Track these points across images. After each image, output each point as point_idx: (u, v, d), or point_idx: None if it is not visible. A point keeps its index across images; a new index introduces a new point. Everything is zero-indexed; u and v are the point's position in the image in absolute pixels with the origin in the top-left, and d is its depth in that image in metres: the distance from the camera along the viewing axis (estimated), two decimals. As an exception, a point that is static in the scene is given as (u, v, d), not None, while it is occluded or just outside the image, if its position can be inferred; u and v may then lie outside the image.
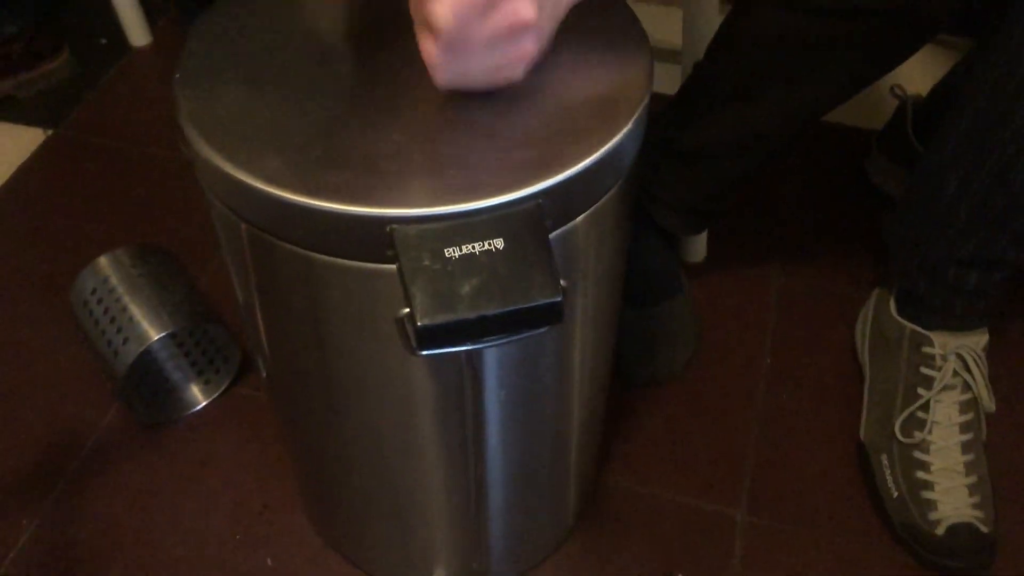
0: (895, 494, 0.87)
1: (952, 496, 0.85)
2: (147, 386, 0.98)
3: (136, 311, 0.91)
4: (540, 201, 0.53)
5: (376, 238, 0.52)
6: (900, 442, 0.88)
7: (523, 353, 0.62)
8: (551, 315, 0.51)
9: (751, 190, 1.16)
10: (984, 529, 0.84)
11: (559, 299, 0.51)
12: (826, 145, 1.24)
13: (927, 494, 0.86)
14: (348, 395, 0.65)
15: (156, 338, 0.90)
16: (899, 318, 0.92)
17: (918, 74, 1.15)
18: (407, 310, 0.51)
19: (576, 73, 0.60)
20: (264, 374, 0.74)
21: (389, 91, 0.59)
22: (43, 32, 1.29)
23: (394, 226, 0.51)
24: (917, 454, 0.87)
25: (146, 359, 0.97)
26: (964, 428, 0.87)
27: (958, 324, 0.88)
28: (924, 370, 0.89)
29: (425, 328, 0.50)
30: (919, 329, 0.90)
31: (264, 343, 0.67)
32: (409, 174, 0.54)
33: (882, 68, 0.81)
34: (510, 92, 0.57)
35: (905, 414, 0.88)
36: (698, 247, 1.09)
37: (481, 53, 0.53)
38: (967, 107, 0.79)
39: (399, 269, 0.51)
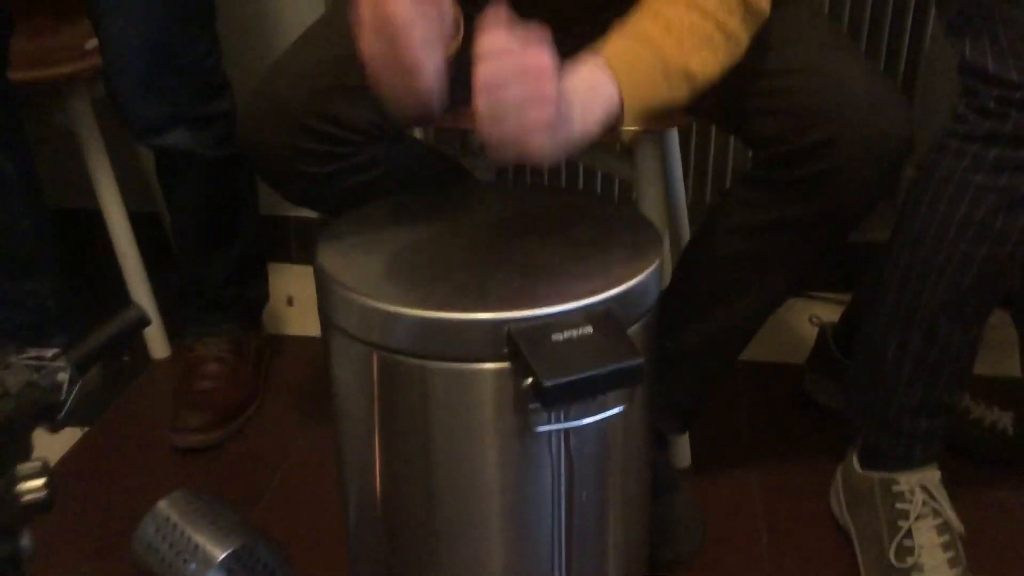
0: (904, 615, 1.00)
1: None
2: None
3: (199, 538, 1.01)
4: (611, 304, 0.72)
5: (495, 338, 0.70)
6: (896, 569, 1.02)
7: (599, 442, 0.78)
8: (637, 374, 0.69)
9: (718, 415, 1.37)
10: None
11: (641, 361, 0.69)
12: (767, 380, 1.47)
13: (931, 607, 0.99)
14: (450, 505, 0.78)
15: (221, 556, 0.99)
16: (866, 473, 1.10)
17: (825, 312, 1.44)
18: (529, 382, 0.68)
19: (615, 243, 0.84)
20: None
21: (487, 245, 0.82)
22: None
23: (511, 326, 0.70)
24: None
25: (211, 590, 1.05)
26: (945, 547, 1.02)
27: (914, 464, 1.07)
28: (899, 505, 1.05)
29: (550, 387, 0.67)
30: (885, 474, 1.07)
31: (377, 471, 0.80)
32: (516, 294, 0.73)
33: (812, 265, 1.03)
34: (573, 246, 0.79)
35: (894, 545, 1.03)
36: (684, 452, 1.26)
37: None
38: (889, 284, 1.02)
39: (520, 353, 0.69)
